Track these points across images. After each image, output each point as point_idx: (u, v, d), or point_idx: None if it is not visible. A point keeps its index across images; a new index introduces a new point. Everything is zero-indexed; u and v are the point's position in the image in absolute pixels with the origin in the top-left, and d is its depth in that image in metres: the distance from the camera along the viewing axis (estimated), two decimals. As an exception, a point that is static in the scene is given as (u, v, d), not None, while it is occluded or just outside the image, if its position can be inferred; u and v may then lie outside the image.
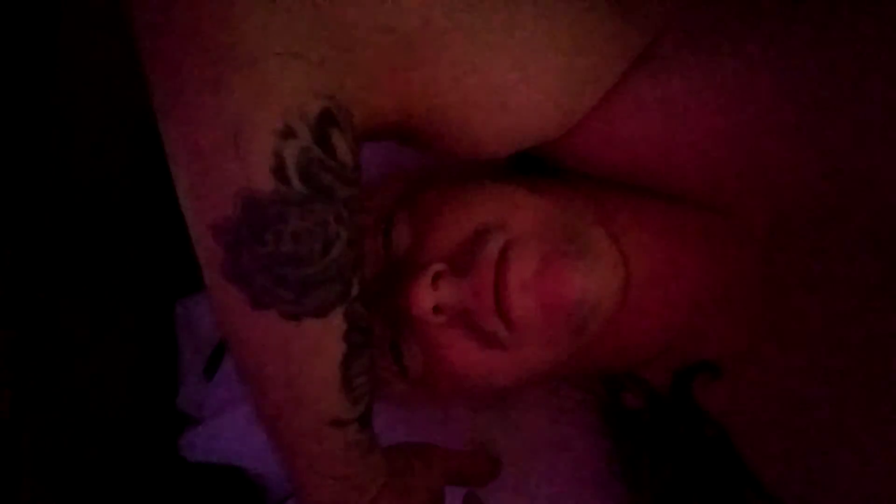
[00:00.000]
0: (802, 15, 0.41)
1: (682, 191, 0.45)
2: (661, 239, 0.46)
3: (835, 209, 0.42)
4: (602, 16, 0.40)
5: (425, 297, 0.40)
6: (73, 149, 0.54)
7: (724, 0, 0.43)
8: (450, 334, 0.42)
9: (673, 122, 0.42)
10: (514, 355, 0.43)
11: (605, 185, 0.47)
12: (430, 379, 0.45)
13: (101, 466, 0.56)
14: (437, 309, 0.41)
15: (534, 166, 0.50)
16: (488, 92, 0.38)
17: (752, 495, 0.44)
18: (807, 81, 0.40)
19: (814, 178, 0.42)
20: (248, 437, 0.57)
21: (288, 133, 0.29)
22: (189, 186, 0.30)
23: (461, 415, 0.55)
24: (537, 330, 0.41)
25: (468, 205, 0.43)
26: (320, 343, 0.32)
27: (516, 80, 0.38)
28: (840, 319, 0.42)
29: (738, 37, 0.42)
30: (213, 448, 0.58)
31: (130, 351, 0.61)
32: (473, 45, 0.36)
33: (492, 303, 0.40)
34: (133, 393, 0.61)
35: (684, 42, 0.42)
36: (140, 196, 0.60)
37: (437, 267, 0.41)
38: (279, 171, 0.29)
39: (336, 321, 0.32)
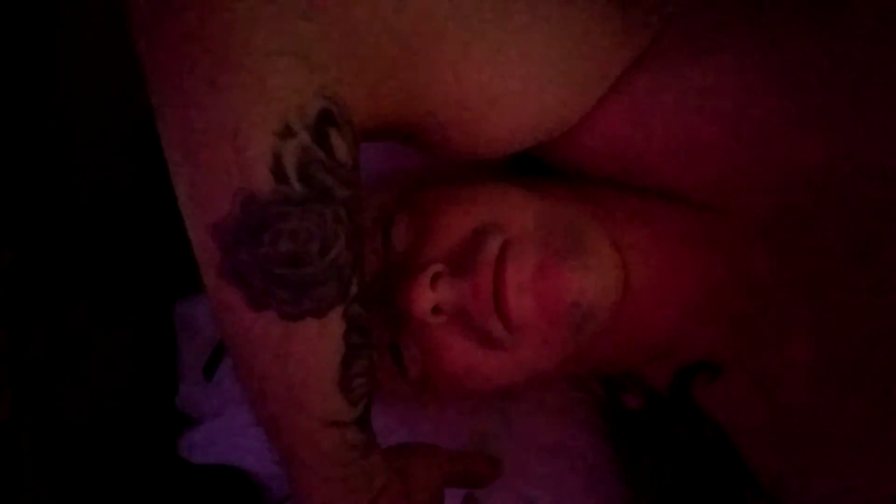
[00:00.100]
0: (803, 14, 0.41)
1: (681, 191, 0.45)
2: (660, 239, 0.46)
3: (835, 209, 0.42)
4: (602, 15, 0.40)
5: (424, 297, 0.40)
6: (72, 149, 0.54)
7: None
8: (449, 335, 0.42)
9: (672, 122, 0.42)
10: (513, 356, 0.43)
11: (604, 185, 0.47)
12: (430, 379, 0.45)
13: (100, 466, 0.56)
14: (436, 309, 0.41)
15: (533, 167, 0.50)
16: (488, 92, 0.38)
17: (752, 495, 0.44)
18: (807, 81, 0.40)
19: (814, 178, 0.41)
20: (247, 437, 0.56)
21: (287, 133, 0.29)
22: (187, 186, 0.30)
23: (461, 415, 0.55)
24: (536, 330, 0.41)
25: (467, 205, 0.43)
26: (319, 343, 0.32)
27: (516, 81, 0.38)
28: (840, 319, 0.42)
29: (739, 36, 0.41)
30: (212, 448, 0.58)
31: (130, 351, 0.61)
32: (473, 46, 0.36)
33: (490, 303, 0.40)
34: (133, 393, 0.61)
35: (684, 42, 0.42)
36: (140, 196, 0.60)
37: (436, 267, 0.41)
38: (278, 170, 0.29)
39: (335, 321, 0.32)
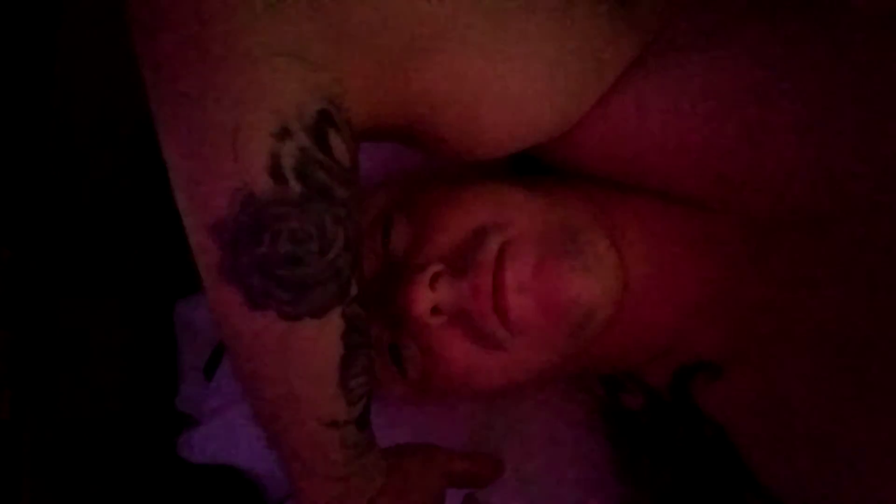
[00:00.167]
0: (803, 14, 0.41)
1: (681, 191, 0.45)
2: (659, 239, 0.46)
3: (835, 209, 0.42)
4: (602, 15, 0.40)
5: (423, 297, 0.40)
6: (72, 149, 0.54)
7: None
8: (448, 335, 0.42)
9: (672, 122, 0.42)
10: (512, 356, 0.43)
11: (604, 185, 0.47)
12: (429, 379, 0.45)
13: (100, 466, 0.57)
14: (435, 310, 0.41)
15: (533, 167, 0.50)
16: (488, 92, 0.38)
17: (752, 495, 0.44)
18: (808, 81, 0.40)
19: (814, 179, 0.41)
20: (246, 437, 0.56)
21: (285, 133, 0.29)
22: (186, 186, 0.30)
23: (461, 415, 0.55)
24: (535, 331, 0.41)
25: (467, 205, 0.43)
26: (318, 344, 0.32)
27: (516, 82, 0.38)
28: (840, 319, 0.42)
29: (738, 36, 0.41)
30: (211, 448, 0.58)
31: (130, 351, 0.61)
32: (473, 46, 0.36)
33: (490, 303, 0.40)
34: (132, 393, 0.61)
35: (684, 41, 0.42)
36: (139, 196, 0.60)
37: (436, 268, 0.41)
38: (276, 171, 0.29)
39: (334, 322, 0.32)
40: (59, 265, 0.54)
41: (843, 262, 0.42)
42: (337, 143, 0.31)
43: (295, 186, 0.29)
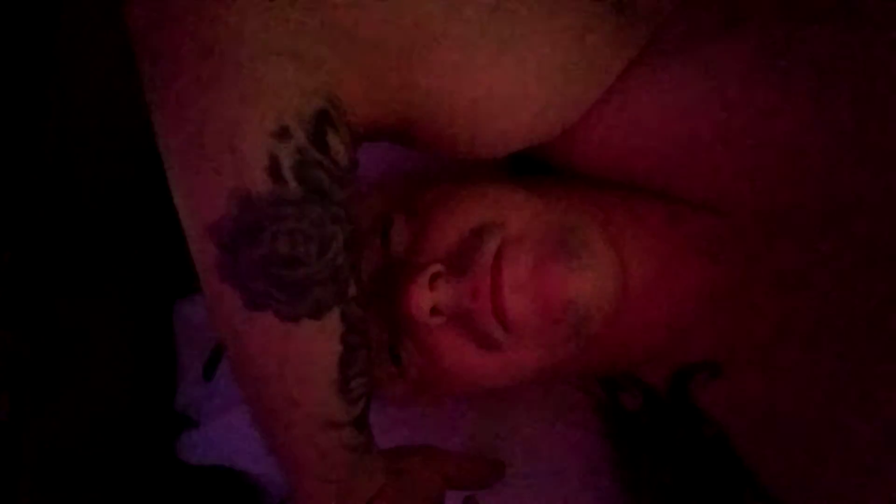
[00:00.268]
0: (805, 14, 0.41)
1: (680, 192, 0.45)
2: (659, 240, 0.46)
3: (834, 210, 0.42)
4: (601, 14, 0.40)
5: (423, 298, 0.40)
6: (72, 149, 0.54)
7: None
8: (447, 336, 0.42)
9: (671, 122, 0.42)
10: (511, 356, 0.42)
11: (603, 185, 0.47)
12: (429, 380, 0.45)
13: (99, 468, 0.56)
14: (434, 310, 0.40)
15: (533, 167, 0.50)
16: (487, 92, 0.38)
17: (751, 495, 0.43)
18: (807, 82, 0.40)
19: (814, 178, 0.41)
20: (246, 438, 0.56)
21: (283, 133, 0.29)
22: (184, 186, 0.30)
23: (460, 416, 0.55)
24: (533, 331, 0.41)
25: (466, 205, 0.43)
26: (316, 344, 0.32)
27: (514, 82, 0.38)
28: (838, 320, 0.42)
29: (739, 35, 0.41)
30: (210, 450, 0.58)
31: (129, 352, 0.61)
32: (471, 47, 0.36)
33: (489, 304, 0.40)
34: (132, 394, 0.61)
35: (683, 41, 0.42)
36: (138, 197, 0.60)
37: (435, 268, 0.40)
38: (274, 171, 0.29)
39: (332, 322, 0.32)
40: (59, 266, 0.54)
41: (843, 262, 0.42)
42: (335, 143, 0.31)
43: (294, 187, 0.29)
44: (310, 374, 0.32)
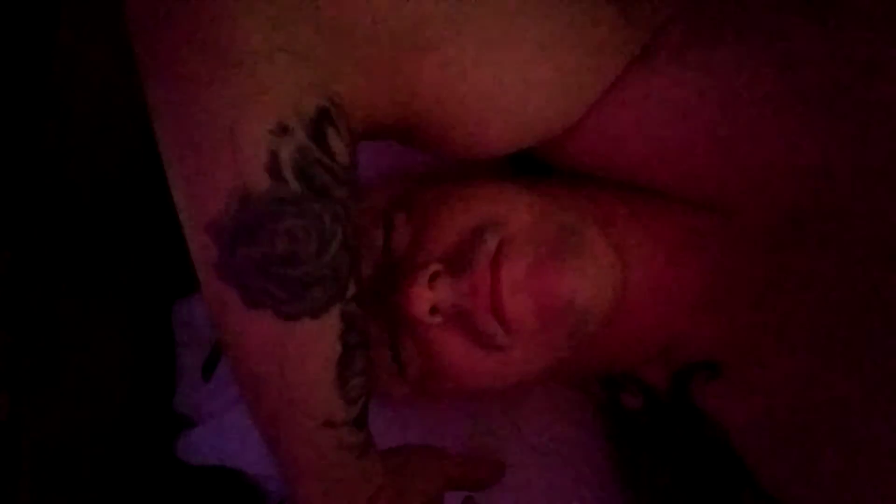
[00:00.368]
0: (802, 13, 0.41)
1: (680, 191, 0.45)
2: (659, 239, 0.46)
3: (835, 209, 0.42)
4: (601, 13, 0.40)
5: (422, 297, 0.40)
6: (71, 149, 0.54)
7: None
8: (447, 335, 0.42)
9: (671, 121, 0.42)
10: (511, 356, 0.42)
11: (604, 185, 0.47)
12: (428, 379, 0.45)
13: (98, 468, 0.56)
14: (434, 310, 0.40)
15: (533, 167, 0.50)
16: (487, 92, 0.38)
17: (751, 495, 0.43)
18: (807, 81, 0.40)
19: (815, 178, 0.41)
20: (245, 438, 0.56)
21: (283, 131, 0.29)
22: (183, 185, 0.30)
23: (460, 416, 0.55)
24: (533, 331, 0.41)
25: (466, 204, 0.43)
26: (315, 343, 0.32)
27: (515, 81, 0.38)
28: (839, 319, 0.42)
29: (740, 35, 0.41)
30: (209, 449, 0.58)
31: (128, 352, 0.61)
32: (472, 44, 0.36)
33: (488, 303, 0.40)
34: (130, 394, 0.60)
35: (684, 40, 0.42)
36: (137, 196, 0.60)
37: (435, 267, 0.40)
38: (274, 169, 0.29)
39: (331, 321, 0.32)
40: (59, 266, 0.54)
41: (843, 262, 0.42)
42: (336, 141, 0.31)
43: (293, 185, 0.29)
44: (309, 373, 0.32)
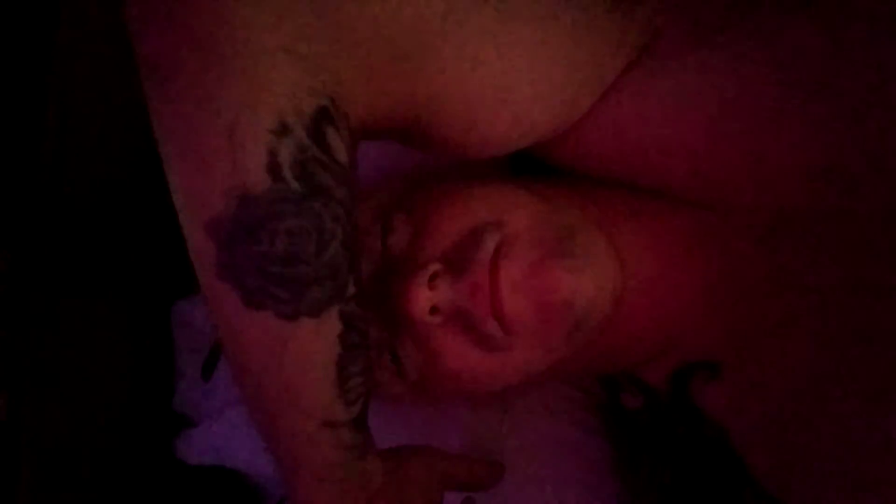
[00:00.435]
0: (801, 13, 0.41)
1: (680, 190, 0.45)
2: (659, 239, 0.46)
3: (835, 208, 0.42)
4: (601, 13, 0.40)
5: (422, 297, 0.40)
6: (71, 149, 0.54)
7: None
8: (447, 335, 0.42)
9: (671, 121, 0.42)
10: (510, 357, 0.42)
11: (603, 184, 0.47)
12: (428, 380, 0.45)
13: (97, 468, 0.56)
14: (434, 309, 0.40)
15: (532, 167, 0.50)
16: (487, 90, 0.38)
17: (751, 495, 0.43)
18: (806, 81, 0.40)
19: (814, 177, 0.41)
20: (244, 438, 0.56)
21: (283, 130, 0.29)
22: (183, 184, 0.30)
23: (460, 416, 0.55)
24: (532, 331, 0.41)
25: (466, 204, 0.43)
26: (315, 343, 0.32)
27: (514, 81, 0.38)
28: (838, 319, 0.42)
29: (739, 34, 0.41)
30: (209, 450, 0.58)
31: (127, 352, 0.61)
32: (471, 46, 0.36)
33: (487, 304, 0.40)
34: (130, 394, 0.60)
35: (684, 39, 0.42)
36: (137, 197, 0.60)
37: (435, 267, 0.40)
38: (274, 168, 0.29)
39: (331, 321, 0.32)
40: (58, 266, 0.54)
41: (843, 262, 0.42)
42: (335, 141, 0.31)
43: (293, 184, 0.29)
44: (308, 373, 0.32)
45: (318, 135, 0.30)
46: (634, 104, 0.42)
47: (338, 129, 0.31)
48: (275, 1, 0.29)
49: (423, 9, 0.34)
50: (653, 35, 0.42)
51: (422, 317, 0.40)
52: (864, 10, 0.40)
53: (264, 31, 0.29)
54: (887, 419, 0.39)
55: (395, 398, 0.49)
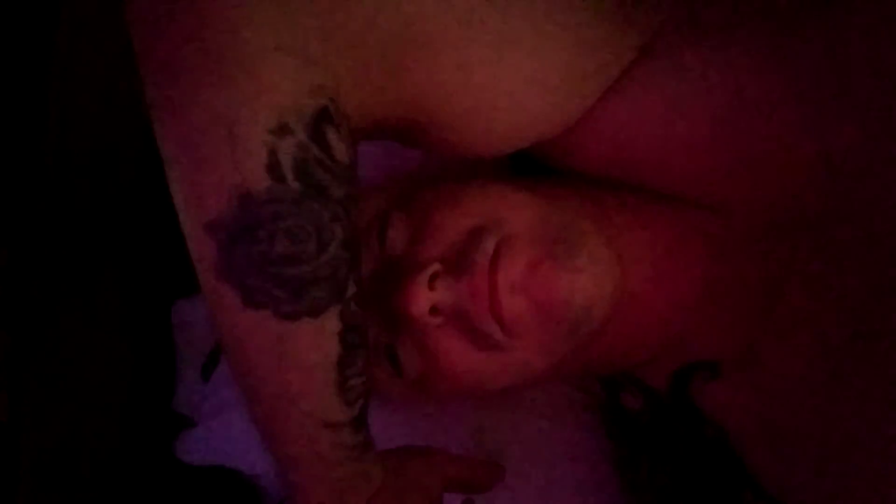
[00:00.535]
0: (802, 13, 0.41)
1: (681, 190, 0.45)
2: (659, 239, 0.46)
3: (835, 208, 0.42)
4: (602, 13, 0.40)
5: (422, 297, 0.40)
6: (70, 148, 0.54)
7: None
8: (446, 335, 0.42)
9: (671, 121, 0.42)
10: (510, 357, 0.42)
11: (603, 185, 0.47)
12: (427, 380, 0.45)
13: (97, 468, 0.56)
14: (433, 310, 0.40)
15: (532, 167, 0.50)
16: (487, 91, 0.38)
17: (751, 496, 0.43)
18: (807, 81, 0.40)
19: (814, 177, 0.41)
20: (244, 438, 0.56)
21: (283, 130, 0.29)
22: (183, 184, 0.30)
23: (459, 417, 0.55)
24: (531, 331, 0.41)
25: (465, 204, 0.43)
26: (315, 343, 0.32)
27: (515, 80, 0.38)
28: (839, 319, 0.42)
29: (739, 35, 0.41)
30: (209, 450, 0.58)
31: (127, 352, 0.61)
32: (472, 46, 0.36)
33: (486, 304, 0.40)
34: (130, 394, 0.60)
35: (684, 40, 0.42)
36: (137, 197, 0.60)
37: (434, 267, 0.40)
38: (274, 168, 0.29)
39: (331, 321, 0.32)
40: (58, 265, 0.54)
41: (843, 262, 0.42)
42: (335, 140, 0.31)
43: (293, 184, 0.29)
44: (308, 373, 0.32)
45: (318, 135, 0.30)
46: (634, 104, 0.42)
47: (338, 129, 0.31)
48: (275, 1, 0.29)
49: (419, 8, 0.34)
50: (653, 35, 0.42)
51: (421, 317, 0.40)
52: (864, 11, 0.40)
53: (264, 31, 0.29)
54: (887, 420, 0.39)
55: (395, 398, 0.49)
